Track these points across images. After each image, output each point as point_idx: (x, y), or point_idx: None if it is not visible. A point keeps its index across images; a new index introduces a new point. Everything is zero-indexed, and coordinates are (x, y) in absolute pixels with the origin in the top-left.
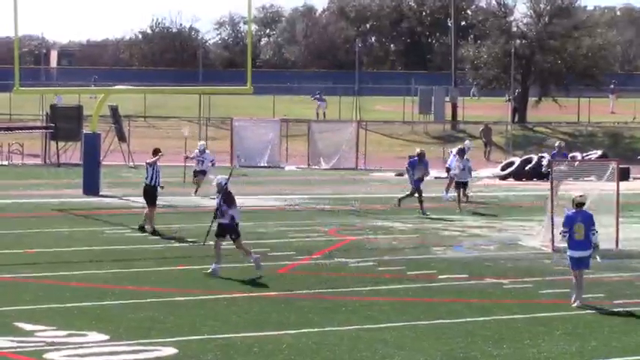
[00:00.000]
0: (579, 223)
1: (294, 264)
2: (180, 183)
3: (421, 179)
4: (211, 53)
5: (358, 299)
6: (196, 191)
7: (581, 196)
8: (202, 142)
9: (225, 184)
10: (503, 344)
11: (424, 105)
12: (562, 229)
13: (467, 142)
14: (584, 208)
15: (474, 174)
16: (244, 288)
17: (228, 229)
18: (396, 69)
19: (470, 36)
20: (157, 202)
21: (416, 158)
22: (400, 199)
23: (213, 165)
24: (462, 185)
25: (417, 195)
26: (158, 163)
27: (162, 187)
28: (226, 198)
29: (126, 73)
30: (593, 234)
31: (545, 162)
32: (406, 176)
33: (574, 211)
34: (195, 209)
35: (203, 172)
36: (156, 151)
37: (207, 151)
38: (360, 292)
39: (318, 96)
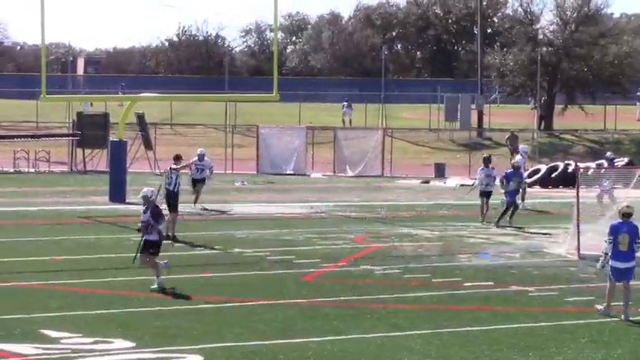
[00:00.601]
0: (624, 233)
1: (320, 271)
2: (207, 190)
3: (517, 191)
4: (237, 61)
5: (384, 306)
6: (196, 201)
7: (628, 206)
8: (202, 149)
9: (152, 197)
10: (528, 352)
11: (450, 112)
12: (607, 237)
13: (521, 146)
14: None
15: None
16: (269, 295)
17: (152, 245)
18: (422, 76)
19: (496, 43)
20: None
21: (512, 170)
22: (498, 220)
23: (211, 172)
24: (486, 195)
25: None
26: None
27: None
28: (155, 212)
29: (152, 81)
30: (638, 247)
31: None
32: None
33: (620, 221)
34: (223, 217)
35: (202, 181)
36: (177, 157)
37: (206, 158)
38: (385, 299)
39: (346, 103)
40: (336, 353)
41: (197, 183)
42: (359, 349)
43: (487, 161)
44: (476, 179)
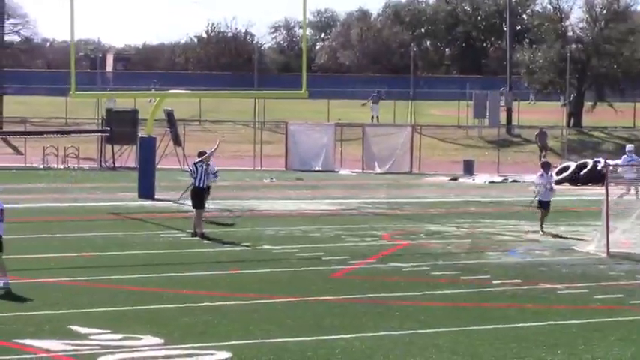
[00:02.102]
0: None
1: (348, 268)
2: (235, 187)
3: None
4: (266, 57)
5: (412, 304)
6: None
7: None
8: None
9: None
10: (557, 349)
11: (479, 109)
12: None
13: (628, 146)
14: None
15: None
16: (298, 292)
17: None
18: (450, 73)
19: (525, 40)
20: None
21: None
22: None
23: (216, 177)
24: (547, 205)
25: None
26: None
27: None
28: None
29: (181, 78)
30: None
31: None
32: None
33: None
34: (251, 213)
35: (207, 189)
36: (201, 154)
37: (211, 162)
38: (414, 296)
39: (375, 95)
40: (364, 350)
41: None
42: (387, 346)
43: (547, 167)
44: (535, 188)
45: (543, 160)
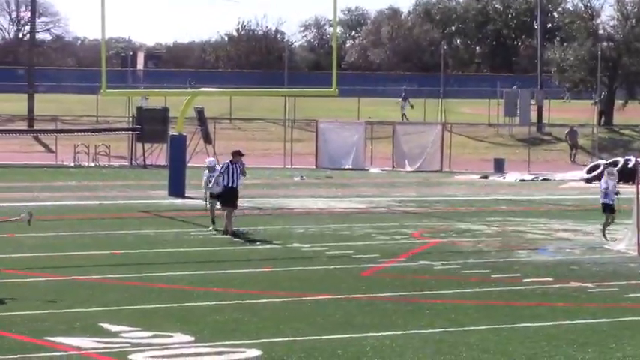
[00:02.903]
0: None
1: (379, 266)
2: (265, 185)
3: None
4: (297, 55)
5: (442, 302)
6: (213, 221)
7: None
8: (211, 159)
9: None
10: (587, 348)
11: (509, 108)
12: None
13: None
14: None
15: (559, 177)
16: (328, 290)
17: None
18: (481, 71)
19: (556, 38)
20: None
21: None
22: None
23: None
24: (608, 209)
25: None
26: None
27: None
28: None
29: (212, 75)
30: None
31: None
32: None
33: None
34: (282, 211)
35: (218, 197)
36: (235, 154)
37: (217, 168)
38: (444, 294)
39: (403, 95)
40: (394, 348)
41: (217, 198)
42: (417, 344)
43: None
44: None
45: (611, 160)
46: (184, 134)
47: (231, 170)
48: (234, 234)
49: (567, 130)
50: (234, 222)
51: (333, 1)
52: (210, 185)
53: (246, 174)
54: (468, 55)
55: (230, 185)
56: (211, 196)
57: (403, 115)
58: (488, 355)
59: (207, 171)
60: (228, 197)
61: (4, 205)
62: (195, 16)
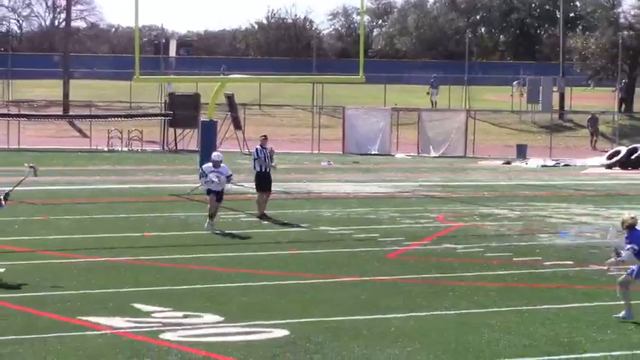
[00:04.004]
0: None
1: (404, 249)
2: (294, 170)
3: None
4: (325, 43)
5: (465, 284)
6: (213, 215)
7: (632, 217)
8: (218, 153)
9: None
10: (607, 330)
11: (532, 95)
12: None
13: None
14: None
15: (579, 162)
16: (354, 272)
17: None
18: (504, 59)
19: (578, 27)
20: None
21: None
22: None
23: (229, 181)
24: None
25: None
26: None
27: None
28: None
29: (242, 63)
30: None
31: None
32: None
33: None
34: (309, 195)
35: (221, 194)
36: (265, 138)
37: (223, 165)
38: (467, 277)
39: (432, 82)
40: (418, 329)
41: (217, 195)
42: (440, 325)
43: None
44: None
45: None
46: (215, 120)
47: (263, 154)
48: (264, 217)
49: (589, 117)
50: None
51: None
52: (215, 181)
53: (274, 160)
54: (492, 44)
55: (263, 170)
56: (209, 192)
57: (434, 102)
58: (510, 336)
59: (210, 164)
60: (265, 182)
61: (40, 188)
62: (226, 4)
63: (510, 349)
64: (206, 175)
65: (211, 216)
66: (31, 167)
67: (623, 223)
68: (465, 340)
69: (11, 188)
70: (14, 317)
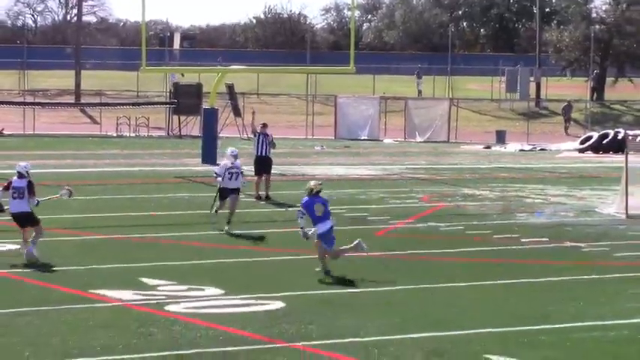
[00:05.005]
0: (318, 204)
1: (391, 227)
2: (289, 154)
3: None
4: (318, 37)
5: (448, 259)
6: (230, 220)
7: (320, 184)
8: (233, 148)
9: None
10: (579, 302)
11: (510, 84)
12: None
13: None
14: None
15: (554, 146)
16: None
17: None
18: (485, 51)
19: (553, 21)
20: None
21: None
22: None
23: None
24: None
25: None
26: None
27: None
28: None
29: (241, 55)
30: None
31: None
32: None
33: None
34: (304, 177)
35: (237, 191)
36: (264, 125)
37: (238, 161)
38: (450, 253)
39: (417, 72)
40: (405, 301)
41: (229, 193)
42: (426, 298)
43: None
44: None
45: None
46: (216, 107)
47: (260, 140)
48: (260, 198)
49: (564, 105)
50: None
51: None
52: (231, 178)
53: (275, 146)
54: (473, 37)
55: (261, 154)
56: (222, 191)
57: (420, 91)
58: (490, 307)
59: (227, 161)
60: (262, 165)
61: (53, 170)
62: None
63: (490, 319)
64: (221, 176)
65: (216, 211)
66: (67, 189)
67: (310, 190)
68: (449, 311)
69: (45, 198)
70: (29, 291)
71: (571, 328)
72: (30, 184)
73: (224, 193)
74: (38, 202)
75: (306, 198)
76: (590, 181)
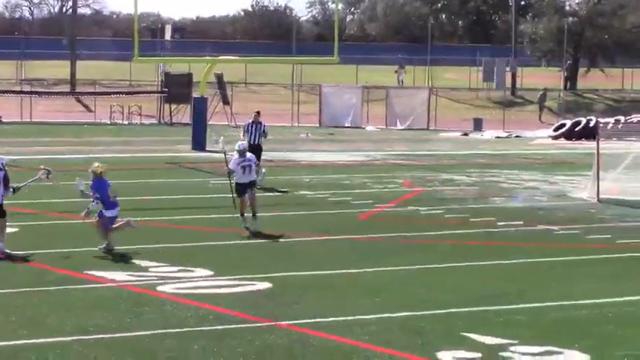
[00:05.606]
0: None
1: (374, 211)
2: (276, 141)
3: None
4: (303, 28)
5: (428, 242)
6: (254, 213)
7: (98, 165)
8: (242, 142)
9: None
10: (550, 283)
11: (487, 74)
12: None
13: None
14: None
15: (529, 134)
16: (330, 231)
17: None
18: (463, 43)
19: (528, 14)
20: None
21: None
22: None
23: (259, 172)
24: None
25: None
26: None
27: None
28: None
29: (230, 46)
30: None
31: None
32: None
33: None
34: (290, 163)
35: (252, 185)
36: (258, 114)
37: (249, 154)
38: (429, 235)
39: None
40: (385, 282)
41: (246, 189)
42: (405, 279)
43: None
44: None
45: None
46: (206, 96)
47: (252, 129)
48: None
49: (540, 93)
50: None
51: None
52: (244, 172)
53: (267, 134)
54: (451, 29)
55: (252, 142)
56: (238, 187)
57: (401, 81)
58: (469, 286)
59: (236, 155)
60: (253, 152)
61: (49, 157)
62: None
63: (468, 299)
64: (235, 171)
65: (242, 214)
66: (44, 170)
67: (93, 172)
68: (429, 291)
69: (23, 184)
70: (27, 272)
71: (545, 307)
72: (5, 177)
73: (241, 190)
74: (14, 189)
75: (96, 179)
76: (563, 167)
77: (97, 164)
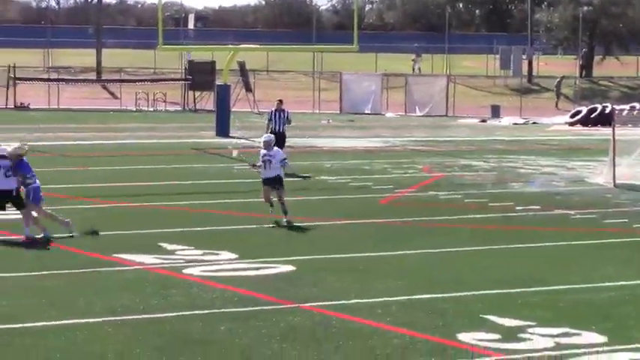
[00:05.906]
0: None
1: (394, 196)
2: (297, 127)
3: None
4: (323, 17)
5: (447, 226)
6: (286, 211)
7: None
8: (269, 135)
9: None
10: (570, 266)
11: (504, 62)
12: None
13: None
14: None
15: (546, 120)
16: (351, 216)
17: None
18: (480, 31)
19: (544, 3)
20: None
21: None
22: None
23: (284, 166)
24: None
25: None
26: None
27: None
28: None
29: (251, 34)
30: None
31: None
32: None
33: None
34: (311, 149)
35: (278, 181)
36: (280, 102)
37: (276, 148)
38: (449, 220)
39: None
40: (406, 265)
41: (270, 184)
42: (426, 262)
43: None
44: None
45: None
46: (229, 84)
47: (276, 117)
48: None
49: (557, 80)
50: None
51: None
52: (265, 167)
53: (291, 121)
54: (469, 17)
55: (277, 130)
56: (264, 181)
57: (418, 68)
58: (488, 270)
59: (263, 150)
60: (277, 139)
61: (77, 143)
62: None
63: (487, 282)
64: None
65: (271, 204)
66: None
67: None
68: (449, 274)
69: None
70: (57, 255)
71: (563, 289)
72: (17, 166)
73: (266, 185)
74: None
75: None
76: (580, 153)
77: (20, 144)
